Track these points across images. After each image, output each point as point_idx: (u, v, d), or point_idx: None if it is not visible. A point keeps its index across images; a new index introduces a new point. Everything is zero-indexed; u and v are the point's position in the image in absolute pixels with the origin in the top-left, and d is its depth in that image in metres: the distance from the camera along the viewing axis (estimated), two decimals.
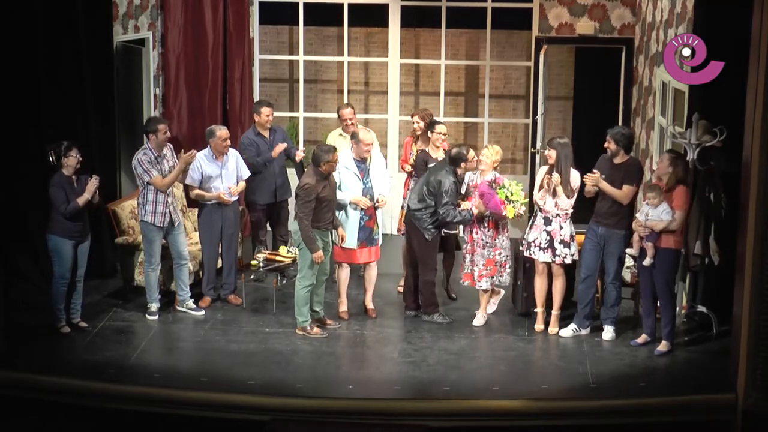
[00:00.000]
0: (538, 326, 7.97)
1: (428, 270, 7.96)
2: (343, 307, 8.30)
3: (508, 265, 7.92)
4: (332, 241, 7.86)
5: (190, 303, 8.32)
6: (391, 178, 8.36)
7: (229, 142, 8.29)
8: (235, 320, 8.24)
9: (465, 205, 7.82)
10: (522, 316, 8.24)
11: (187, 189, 8.59)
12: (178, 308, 8.31)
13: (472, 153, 7.86)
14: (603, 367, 7.34)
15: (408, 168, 8.76)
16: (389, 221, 10.47)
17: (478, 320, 8.06)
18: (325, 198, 7.58)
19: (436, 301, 8.06)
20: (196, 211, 8.76)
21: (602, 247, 7.75)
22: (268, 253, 8.77)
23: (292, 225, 7.74)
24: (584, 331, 7.93)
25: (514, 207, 7.67)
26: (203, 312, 8.29)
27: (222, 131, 8.26)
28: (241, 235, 9.28)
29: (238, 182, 8.46)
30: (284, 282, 8.88)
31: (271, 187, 9.16)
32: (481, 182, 7.82)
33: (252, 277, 8.86)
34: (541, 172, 7.91)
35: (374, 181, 8.08)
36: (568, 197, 7.75)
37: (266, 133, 9.13)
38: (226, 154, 8.38)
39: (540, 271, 7.91)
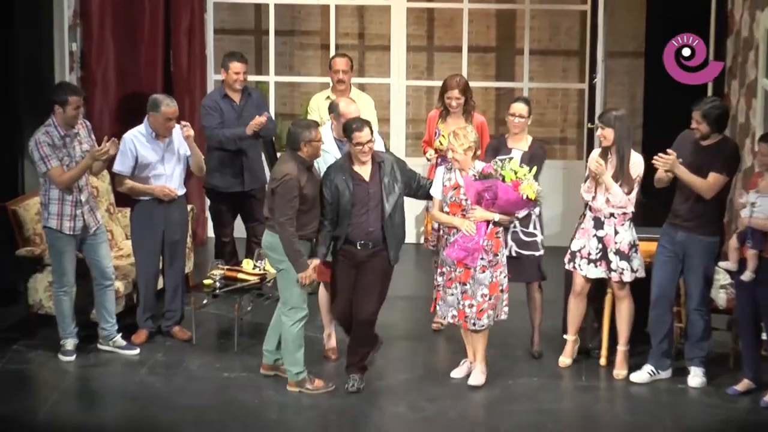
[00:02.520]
0: (564, 359, 8.12)
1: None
2: (331, 344, 8.27)
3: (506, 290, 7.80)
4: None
5: (118, 339, 8.29)
6: None
7: (174, 123, 8.26)
8: (181, 361, 8.22)
9: (467, 226, 7.55)
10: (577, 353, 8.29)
11: (114, 180, 8.54)
12: (102, 346, 8.27)
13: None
14: (690, 423, 7.37)
15: (431, 154, 8.70)
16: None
17: (477, 378, 7.82)
18: (309, 195, 7.53)
19: (358, 361, 7.72)
20: (127, 211, 8.73)
21: (681, 259, 7.74)
22: (227, 269, 8.73)
23: (265, 238, 7.64)
24: (663, 374, 7.93)
25: (530, 184, 7.56)
26: (137, 350, 8.28)
27: (169, 108, 8.21)
28: (191, 243, 9.25)
29: (183, 171, 8.46)
30: (249, 309, 8.85)
31: (237, 169, 9.19)
32: (465, 182, 7.63)
33: (205, 302, 8.82)
34: (593, 156, 7.92)
35: None
36: (628, 193, 7.74)
37: (236, 97, 9.21)
38: (169, 136, 8.36)
39: (578, 291, 7.99)
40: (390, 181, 7.56)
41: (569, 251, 7.99)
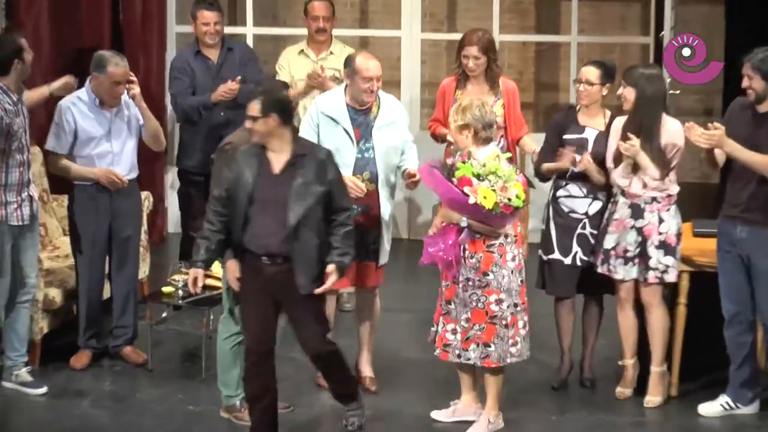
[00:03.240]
0: (622, 389, 8.18)
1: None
2: None
3: (520, 324, 7.58)
4: None
5: (24, 372, 8.22)
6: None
7: (123, 88, 8.27)
8: (134, 391, 8.23)
9: (436, 227, 7.49)
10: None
11: (47, 160, 8.57)
12: (5, 383, 8.21)
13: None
14: None
15: (447, 133, 8.62)
16: (403, 223, 10.37)
17: (478, 429, 7.67)
18: None
19: (349, 389, 7.60)
20: (65, 200, 8.74)
21: (746, 261, 7.75)
22: None
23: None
24: (745, 409, 7.94)
25: (494, 189, 7.28)
26: (44, 389, 8.16)
27: (118, 68, 8.22)
28: (146, 241, 9.27)
29: (136, 148, 8.48)
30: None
31: (215, 147, 9.18)
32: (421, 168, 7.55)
33: (165, 315, 8.85)
34: (616, 126, 7.97)
35: (387, 147, 8.00)
36: (662, 177, 7.77)
37: (212, 54, 9.38)
38: (117, 105, 8.39)
39: (623, 299, 8.05)
40: (304, 185, 7.04)
41: (601, 250, 8.01)
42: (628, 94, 7.80)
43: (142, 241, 8.93)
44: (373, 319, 8.25)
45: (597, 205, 8.07)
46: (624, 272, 7.91)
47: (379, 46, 11.22)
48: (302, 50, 9.63)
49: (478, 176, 7.23)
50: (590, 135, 8.06)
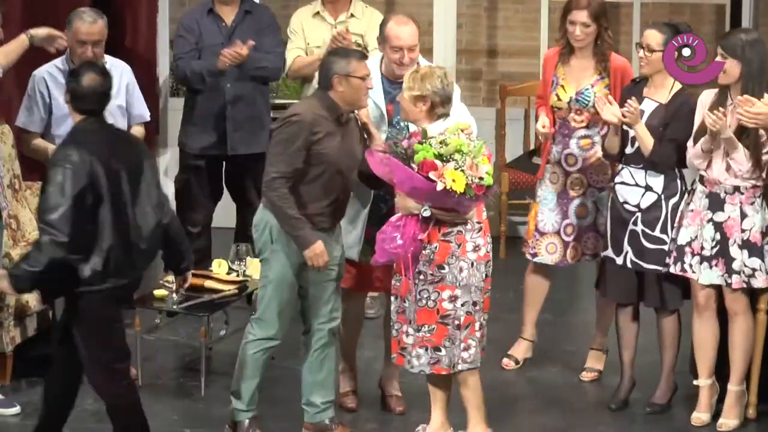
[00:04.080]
0: (698, 415, 8.17)
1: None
2: (348, 385, 8.39)
3: (476, 325, 7.55)
4: (339, 255, 7.82)
5: None
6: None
7: (89, 50, 8.28)
8: None
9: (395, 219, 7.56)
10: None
11: (19, 140, 8.67)
12: None
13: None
14: None
15: (545, 123, 8.63)
16: None
17: None
18: (325, 156, 7.52)
19: None
20: (39, 187, 8.68)
21: None
22: (192, 273, 8.63)
23: (257, 212, 7.70)
24: None
25: (462, 169, 7.27)
26: (17, 408, 8.23)
27: (84, 24, 8.27)
28: None
29: (130, 125, 8.51)
30: (222, 334, 8.95)
31: (218, 123, 9.42)
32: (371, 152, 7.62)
33: (158, 321, 8.91)
34: (703, 101, 7.99)
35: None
36: (755, 164, 7.78)
37: (227, 14, 9.51)
38: None
39: (702, 305, 8.09)
40: None
41: (675, 246, 8.05)
42: (731, 67, 7.79)
43: None
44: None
45: (650, 198, 8.10)
46: (701, 273, 7.91)
47: (409, 6, 11.21)
48: (317, 12, 9.62)
49: (441, 157, 7.26)
50: (647, 107, 8.10)
